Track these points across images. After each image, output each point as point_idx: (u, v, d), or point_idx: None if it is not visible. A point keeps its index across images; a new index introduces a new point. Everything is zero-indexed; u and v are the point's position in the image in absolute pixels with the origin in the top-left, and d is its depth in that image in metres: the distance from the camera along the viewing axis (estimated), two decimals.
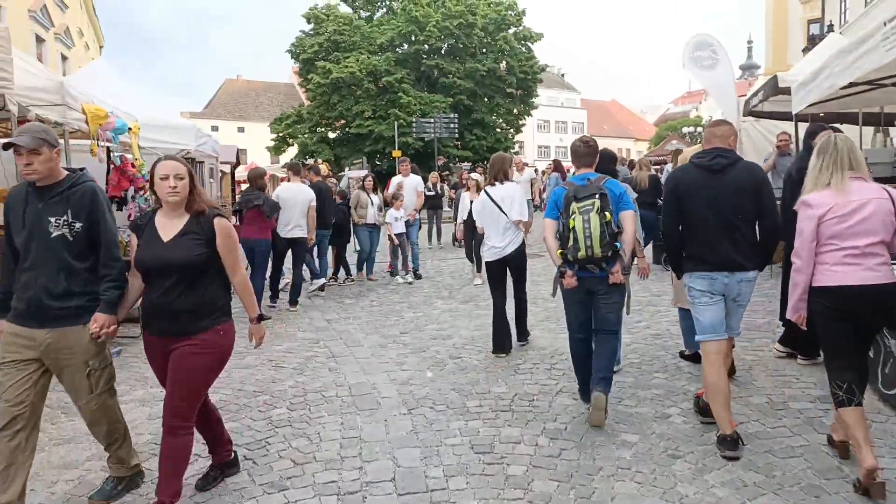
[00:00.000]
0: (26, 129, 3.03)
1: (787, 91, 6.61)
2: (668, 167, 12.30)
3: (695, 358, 4.98)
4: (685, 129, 40.13)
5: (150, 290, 3.08)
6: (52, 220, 3.00)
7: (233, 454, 3.56)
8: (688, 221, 3.72)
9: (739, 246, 3.57)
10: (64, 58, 25.27)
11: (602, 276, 3.92)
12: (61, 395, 3.82)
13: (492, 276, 5.82)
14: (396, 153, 26.80)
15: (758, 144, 9.31)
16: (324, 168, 23.26)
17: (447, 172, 24.32)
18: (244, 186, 9.12)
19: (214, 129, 59.69)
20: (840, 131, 3.60)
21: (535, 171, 19.47)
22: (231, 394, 4.84)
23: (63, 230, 3.02)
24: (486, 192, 5.76)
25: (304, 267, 8.69)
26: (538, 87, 38.84)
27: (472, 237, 8.81)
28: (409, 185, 10.71)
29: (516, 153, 39.94)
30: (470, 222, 8.28)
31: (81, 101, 5.70)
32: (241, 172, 19.11)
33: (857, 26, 15.22)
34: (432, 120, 28.45)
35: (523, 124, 39.77)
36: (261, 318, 3.49)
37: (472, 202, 8.33)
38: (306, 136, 34.05)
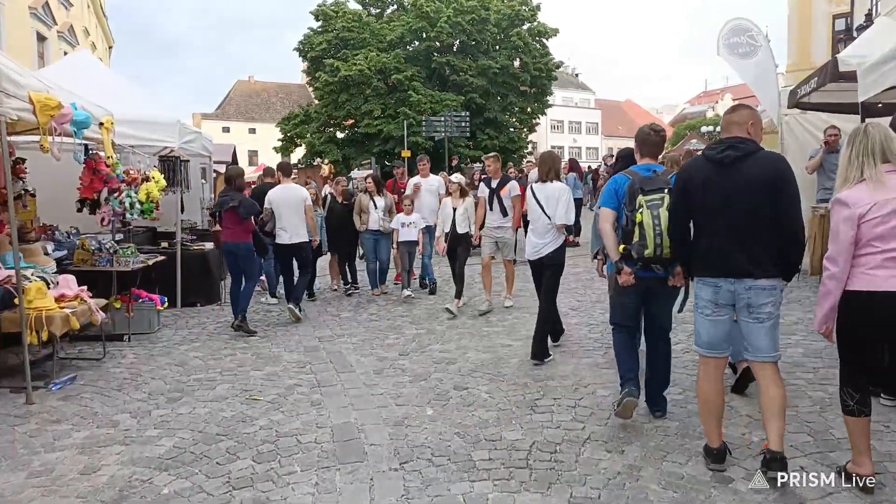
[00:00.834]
0: None
1: (846, 76, 5.70)
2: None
3: (745, 373, 4.21)
4: (704, 129, 38.97)
5: None
6: None
7: None
8: (695, 221, 3.33)
9: (752, 252, 3.11)
10: None
11: (664, 276, 3.65)
12: None
13: (534, 275, 5.78)
14: (406, 153, 25.99)
15: (801, 141, 8.36)
16: (326, 169, 22.56)
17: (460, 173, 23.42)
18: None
19: (226, 130, 59.60)
20: None
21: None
22: (188, 438, 4.01)
23: None
24: (531, 188, 5.66)
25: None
26: (552, 87, 37.87)
27: (455, 253, 7.72)
28: (429, 186, 9.26)
29: (529, 153, 38.97)
30: (453, 234, 7.65)
31: (30, 89, 4.92)
32: (249, 174, 18.34)
33: None
34: (443, 119, 27.57)
35: (537, 123, 38.79)
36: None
37: (455, 210, 7.63)
38: (314, 135, 33.30)
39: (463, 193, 7.77)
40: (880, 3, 18.24)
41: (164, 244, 8.48)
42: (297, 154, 37.48)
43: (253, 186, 9.46)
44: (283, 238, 7.51)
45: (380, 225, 8.58)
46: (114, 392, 4.96)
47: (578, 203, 11.97)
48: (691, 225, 3.37)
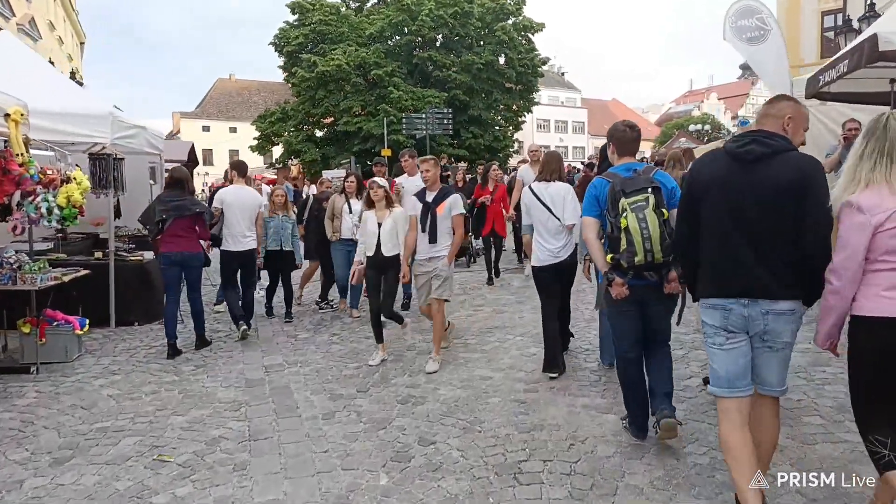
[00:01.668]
0: None
1: (888, 56, 4.80)
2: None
3: None
4: (692, 127, 38.32)
5: None
6: None
7: None
8: (702, 226, 2.79)
9: (774, 267, 2.62)
10: None
11: (656, 283, 3.43)
12: None
13: (542, 285, 5.07)
14: (386, 152, 24.90)
15: (816, 136, 7.47)
16: (294, 170, 21.40)
17: (447, 173, 22.34)
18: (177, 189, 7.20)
19: (206, 129, 58.32)
20: None
21: None
22: None
23: None
24: (532, 189, 5.08)
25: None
26: (539, 85, 36.91)
27: (379, 284, 5.65)
28: (414, 187, 6.78)
29: (515, 152, 38.02)
30: (377, 259, 5.56)
31: None
32: (209, 174, 17.14)
33: None
34: (424, 116, 26.49)
35: (523, 121, 37.75)
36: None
37: (380, 225, 5.59)
38: (291, 134, 32.05)
39: (389, 203, 5.71)
40: None
41: (100, 254, 7.43)
42: (275, 154, 36.33)
43: (216, 188, 8.79)
44: (231, 245, 6.66)
45: (353, 233, 7.13)
46: None
47: None
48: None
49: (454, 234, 5.52)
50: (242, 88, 62.52)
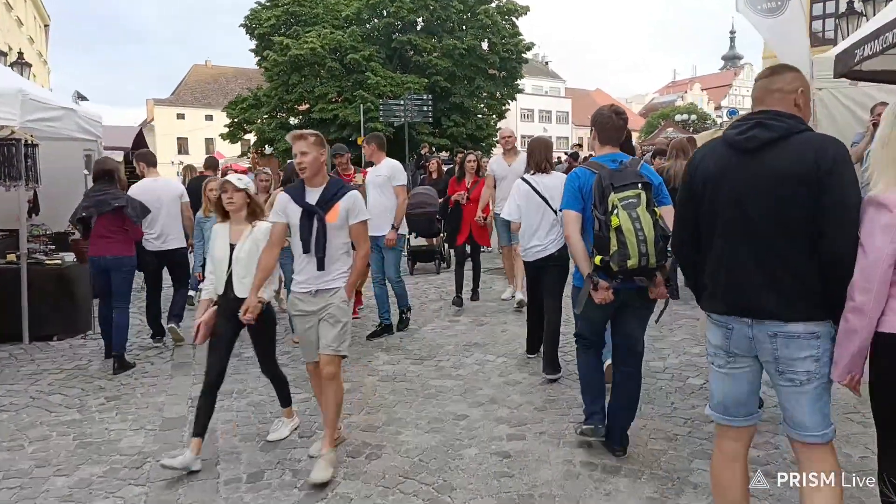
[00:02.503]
0: None
1: None
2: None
3: None
4: (678, 117, 37.64)
5: None
6: None
7: None
8: (701, 229, 2.37)
9: (782, 281, 2.15)
10: None
11: (641, 287, 3.10)
12: None
13: (534, 282, 4.96)
14: (361, 140, 23.74)
15: (840, 122, 6.57)
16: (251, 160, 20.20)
17: (424, 162, 21.20)
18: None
19: (181, 117, 56.58)
20: None
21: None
22: None
23: None
24: (527, 181, 4.72)
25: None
26: (523, 72, 35.83)
27: (230, 340, 3.84)
28: (374, 178, 6.01)
29: (498, 142, 36.98)
30: (228, 303, 3.67)
31: None
32: (182, 163, 15.86)
33: None
34: (402, 102, 25.30)
35: (507, 110, 36.64)
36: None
37: (233, 247, 3.75)
38: (264, 121, 30.67)
39: (253, 214, 3.79)
40: None
41: (12, 256, 6.36)
42: (247, 141, 34.93)
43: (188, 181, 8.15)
44: (153, 244, 5.99)
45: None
46: None
47: None
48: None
49: (354, 252, 3.59)
50: (219, 75, 60.78)
